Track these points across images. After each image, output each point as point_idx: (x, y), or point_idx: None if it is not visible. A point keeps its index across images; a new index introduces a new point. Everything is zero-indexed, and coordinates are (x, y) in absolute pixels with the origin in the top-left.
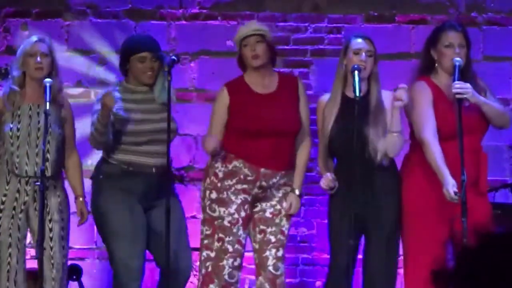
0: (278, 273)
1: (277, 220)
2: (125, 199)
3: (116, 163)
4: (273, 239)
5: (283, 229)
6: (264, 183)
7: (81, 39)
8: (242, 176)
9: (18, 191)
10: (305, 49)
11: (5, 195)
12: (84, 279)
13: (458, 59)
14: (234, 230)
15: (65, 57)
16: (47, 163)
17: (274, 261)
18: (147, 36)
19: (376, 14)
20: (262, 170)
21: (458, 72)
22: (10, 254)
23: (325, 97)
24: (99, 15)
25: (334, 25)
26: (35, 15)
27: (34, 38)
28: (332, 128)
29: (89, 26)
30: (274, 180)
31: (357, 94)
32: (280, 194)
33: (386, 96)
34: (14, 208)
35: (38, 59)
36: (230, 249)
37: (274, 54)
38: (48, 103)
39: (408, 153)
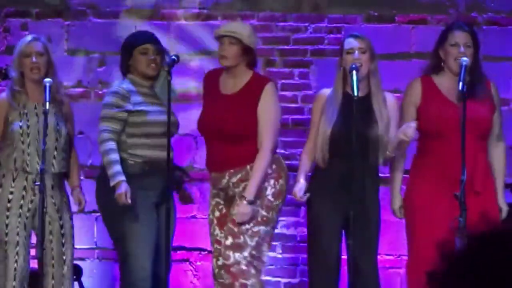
0: (229, 262)
1: (232, 211)
2: (143, 198)
3: (135, 162)
4: (225, 227)
5: (233, 217)
6: (220, 186)
7: (81, 39)
8: (211, 183)
9: (24, 188)
10: (305, 49)
11: (11, 193)
12: (84, 279)
13: (465, 59)
14: (211, 230)
15: (65, 57)
16: (53, 161)
17: (222, 249)
18: (147, 31)
19: (376, 14)
20: (212, 174)
21: (464, 72)
22: (17, 253)
23: (325, 91)
24: (99, 15)
25: (334, 25)
26: (35, 15)
27: (29, 37)
28: (333, 126)
29: (89, 26)
30: (224, 180)
31: (355, 93)
32: (240, 189)
33: (388, 97)
34: (21, 207)
35: (34, 59)
36: (212, 248)
37: (251, 56)
38: (48, 103)
39: (415, 154)
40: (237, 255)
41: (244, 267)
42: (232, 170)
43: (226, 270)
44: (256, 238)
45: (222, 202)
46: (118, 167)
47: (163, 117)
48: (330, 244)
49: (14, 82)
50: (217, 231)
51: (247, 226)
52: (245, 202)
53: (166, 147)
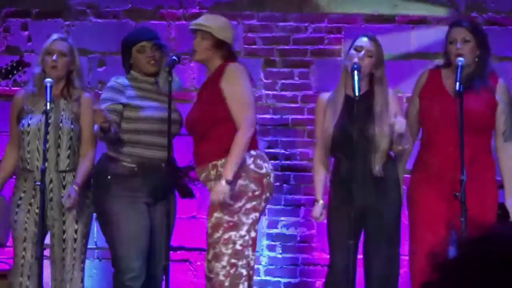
0: (211, 275)
1: (207, 221)
2: (132, 200)
3: (124, 161)
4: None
5: (207, 226)
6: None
7: (81, 39)
8: None
9: (34, 188)
10: (305, 49)
11: (24, 192)
12: (84, 279)
13: (461, 59)
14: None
15: None
16: (57, 159)
17: (206, 263)
18: (144, 27)
19: (376, 14)
20: (197, 169)
21: (461, 72)
22: (24, 249)
23: (324, 95)
24: (99, 15)
25: (334, 25)
26: (35, 15)
27: (55, 36)
28: (334, 127)
29: (89, 26)
30: (201, 177)
31: (356, 93)
32: (208, 188)
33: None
34: (30, 204)
35: (54, 57)
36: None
37: (225, 50)
38: (48, 103)
39: (418, 150)
40: (217, 265)
41: (221, 278)
42: (199, 168)
43: (208, 280)
44: (231, 245)
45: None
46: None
47: (160, 114)
48: (341, 247)
49: (34, 79)
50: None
51: (218, 235)
52: (223, 182)
53: (162, 146)
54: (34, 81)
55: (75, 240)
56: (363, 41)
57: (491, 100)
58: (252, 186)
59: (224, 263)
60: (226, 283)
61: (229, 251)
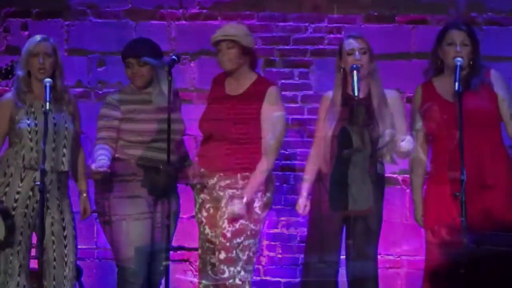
0: (224, 276)
1: (220, 223)
2: (132, 199)
3: (126, 158)
4: (216, 241)
5: (224, 231)
6: (205, 183)
7: (81, 39)
8: (197, 176)
9: (32, 189)
10: (305, 49)
11: (18, 193)
12: (84, 279)
13: (459, 59)
14: (201, 229)
15: (65, 57)
16: (63, 159)
17: (209, 266)
18: (136, 41)
19: (376, 14)
20: (202, 170)
21: (459, 72)
22: (18, 252)
23: (330, 93)
24: (99, 15)
25: (334, 25)
26: (35, 15)
27: (38, 37)
28: (335, 129)
29: (89, 26)
30: (212, 181)
31: (356, 93)
32: (227, 196)
33: (390, 95)
34: (26, 207)
35: (41, 59)
36: (201, 247)
37: (251, 56)
38: (48, 103)
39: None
40: (231, 269)
41: (238, 282)
42: (222, 174)
43: (221, 285)
44: (247, 252)
45: (208, 198)
46: (103, 154)
47: (158, 126)
48: (330, 247)
49: (20, 81)
50: (207, 230)
51: (239, 240)
52: (244, 201)
53: (164, 150)
54: (21, 83)
55: (65, 237)
56: (351, 42)
57: (490, 93)
58: (271, 199)
59: (239, 268)
60: (246, 287)
61: (245, 257)
